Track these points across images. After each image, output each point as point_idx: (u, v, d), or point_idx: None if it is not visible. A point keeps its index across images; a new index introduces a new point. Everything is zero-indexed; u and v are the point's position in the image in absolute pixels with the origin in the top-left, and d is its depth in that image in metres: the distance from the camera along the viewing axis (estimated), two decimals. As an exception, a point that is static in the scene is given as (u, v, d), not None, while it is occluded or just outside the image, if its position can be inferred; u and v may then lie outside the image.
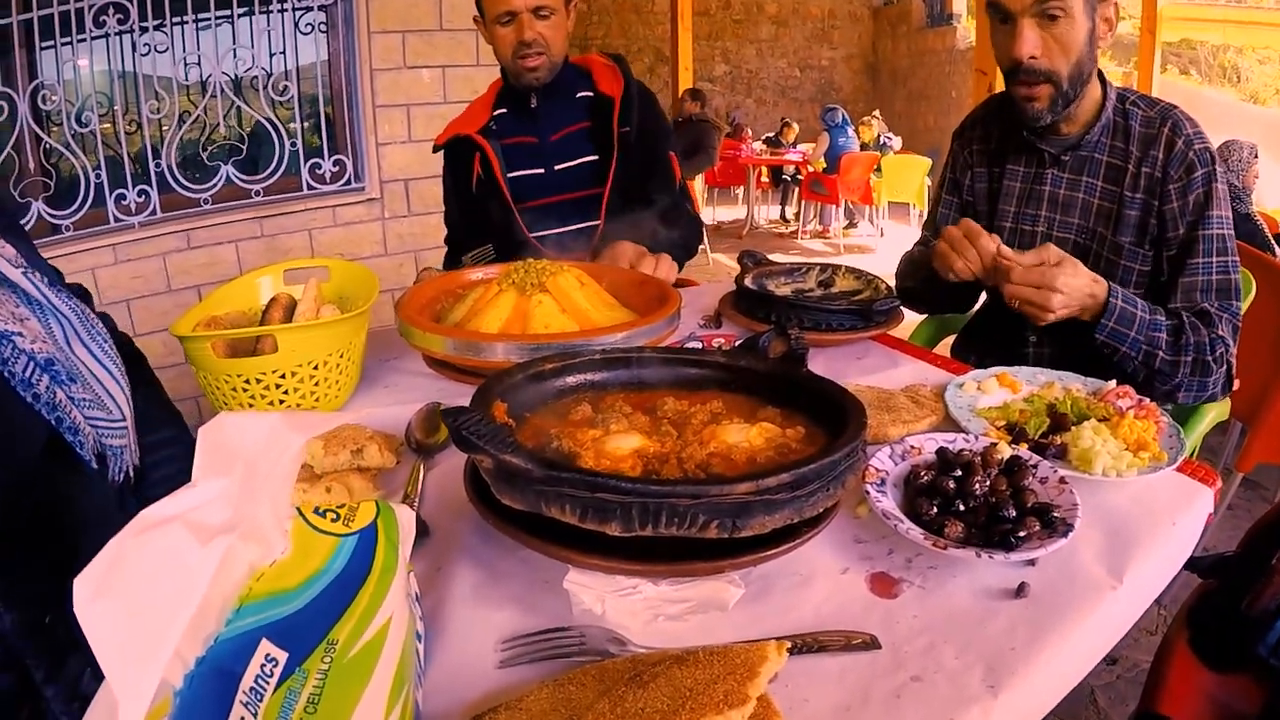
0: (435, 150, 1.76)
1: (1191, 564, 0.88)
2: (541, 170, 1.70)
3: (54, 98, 2.57)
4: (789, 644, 0.54)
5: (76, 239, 2.60)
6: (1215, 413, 1.31)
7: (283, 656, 0.49)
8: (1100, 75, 1.30)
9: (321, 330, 1.04)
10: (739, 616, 0.65)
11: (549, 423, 0.86)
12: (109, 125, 2.73)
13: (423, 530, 0.82)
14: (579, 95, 1.71)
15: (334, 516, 0.57)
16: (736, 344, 1.02)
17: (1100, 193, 1.30)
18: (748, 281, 1.44)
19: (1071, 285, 1.14)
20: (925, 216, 1.61)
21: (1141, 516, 0.80)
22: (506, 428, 0.71)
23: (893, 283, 1.50)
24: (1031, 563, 0.71)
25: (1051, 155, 1.33)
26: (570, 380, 0.93)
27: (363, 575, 0.54)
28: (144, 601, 0.43)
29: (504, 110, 1.72)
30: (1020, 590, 0.68)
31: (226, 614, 0.49)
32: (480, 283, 1.33)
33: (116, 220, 2.71)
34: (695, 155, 6.53)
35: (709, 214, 8.10)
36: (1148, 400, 0.98)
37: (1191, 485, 0.85)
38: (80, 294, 1.02)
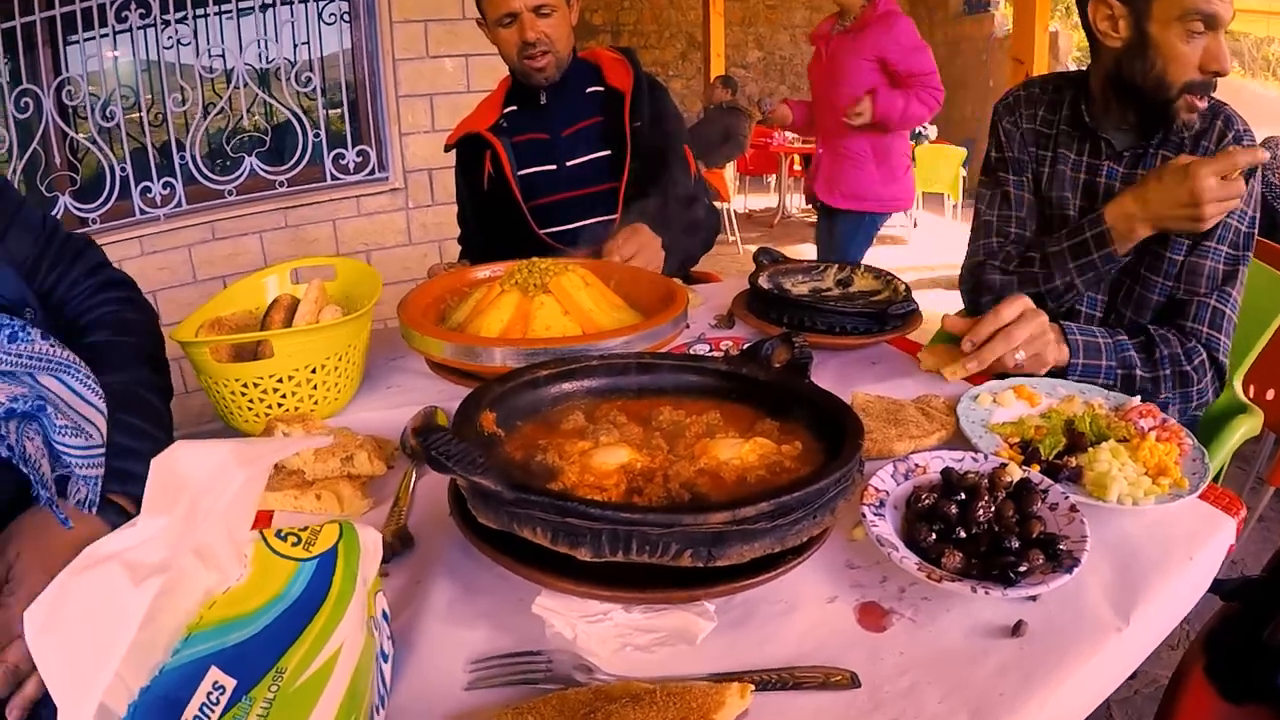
0: (447, 149, 1.75)
1: (1214, 586, 0.83)
2: (553, 167, 1.68)
3: (79, 93, 2.60)
4: (753, 685, 0.51)
5: (103, 232, 2.64)
6: (1245, 428, 1.24)
7: (230, 684, 0.48)
8: None
9: (317, 335, 1.03)
10: (714, 646, 0.63)
11: (540, 433, 0.84)
12: (134, 119, 2.76)
13: (407, 542, 0.81)
14: (589, 91, 1.68)
15: (295, 540, 0.56)
16: (744, 348, 0.98)
17: None
18: (761, 281, 1.40)
19: (1026, 331, 1.09)
20: (982, 204, 1.45)
21: (1156, 549, 0.75)
22: (480, 444, 0.69)
23: (913, 277, 1.44)
24: (1032, 598, 0.67)
25: (1113, 150, 1.27)
26: (565, 387, 0.91)
27: (318, 602, 0.53)
28: (80, 638, 0.43)
29: (514, 107, 1.70)
30: (1017, 629, 0.64)
31: (175, 643, 0.48)
32: (485, 281, 1.31)
33: (142, 213, 2.75)
34: (726, 143, 6.46)
35: (740, 202, 8.00)
36: (1172, 420, 0.93)
37: (1213, 515, 0.80)
38: (111, 284, 1.00)
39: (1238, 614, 0.95)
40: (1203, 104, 1.18)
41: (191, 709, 0.47)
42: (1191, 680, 0.92)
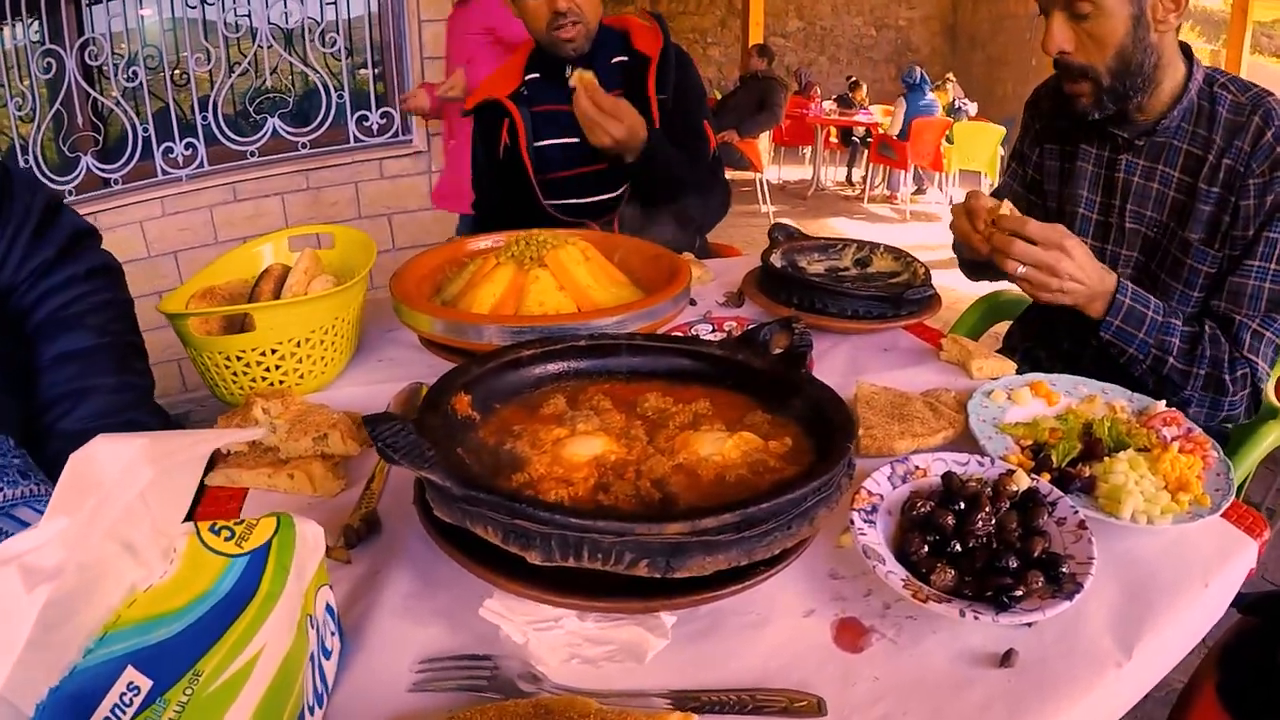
0: (464, 115, 1.70)
1: (1234, 599, 0.77)
2: (575, 140, 1.61)
3: (102, 53, 2.59)
4: (695, 717, 0.47)
5: (125, 192, 2.66)
6: (1275, 436, 1.16)
7: (147, 685, 0.46)
8: (1187, 53, 1.16)
9: (301, 308, 1.01)
10: (674, 660, 0.58)
11: (517, 417, 0.80)
12: (157, 79, 2.75)
13: (374, 527, 0.78)
14: (614, 60, 1.60)
15: (229, 534, 0.53)
16: (746, 330, 0.93)
17: (1176, 184, 1.16)
18: (774, 258, 1.34)
19: (1085, 260, 1.04)
20: (995, 188, 1.48)
21: (1169, 574, 0.69)
22: (450, 430, 0.65)
23: (944, 257, 1.38)
24: (1028, 624, 0.62)
25: (1125, 140, 1.19)
26: (550, 368, 0.87)
27: (244, 601, 0.50)
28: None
29: (536, 75, 1.63)
30: (1006, 658, 0.59)
31: (89, 642, 0.46)
32: (483, 253, 1.27)
33: (164, 173, 2.76)
34: (760, 113, 6.33)
35: (774, 173, 7.82)
36: (1197, 430, 0.86)
37: (1234, 536, 0.73)
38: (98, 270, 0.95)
39: (1255, 630, 0.89)
40: (1069, 86, 1.16)
41: (103, 710, 0.45)
42: (1203, 697, 0.86)
